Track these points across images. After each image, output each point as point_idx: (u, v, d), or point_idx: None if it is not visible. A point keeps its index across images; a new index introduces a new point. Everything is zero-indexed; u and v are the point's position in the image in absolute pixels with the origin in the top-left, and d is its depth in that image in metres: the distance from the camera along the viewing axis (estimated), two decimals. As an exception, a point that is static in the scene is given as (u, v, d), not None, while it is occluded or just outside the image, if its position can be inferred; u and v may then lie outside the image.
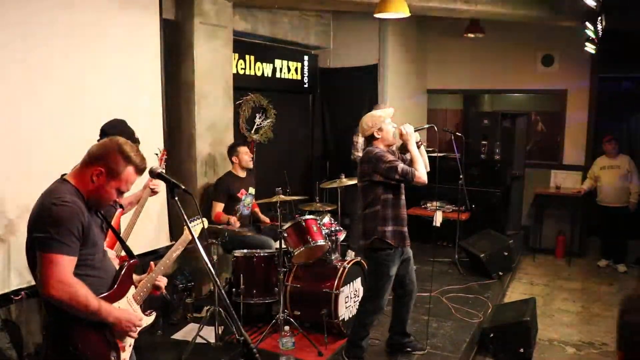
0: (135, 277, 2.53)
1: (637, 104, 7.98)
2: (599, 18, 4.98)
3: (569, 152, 8.09)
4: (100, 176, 2.27)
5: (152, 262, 2.61)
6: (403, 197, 4.03)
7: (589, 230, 7.81)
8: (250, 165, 5.42)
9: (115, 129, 3.41)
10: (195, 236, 2.40)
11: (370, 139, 4.02)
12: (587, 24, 5.17)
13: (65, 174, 2.36)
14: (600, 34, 5.47)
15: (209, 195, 5.36)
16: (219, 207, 5.21)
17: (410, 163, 3.93)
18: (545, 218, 7.86)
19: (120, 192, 2.34)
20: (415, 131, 4.00)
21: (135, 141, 3.36)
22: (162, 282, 2.59)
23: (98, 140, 3.27)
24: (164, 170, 2.46)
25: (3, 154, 3.71)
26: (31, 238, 2.21)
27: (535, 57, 8.11)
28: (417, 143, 3.99)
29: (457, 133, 5.69)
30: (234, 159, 5.38)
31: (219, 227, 4.76)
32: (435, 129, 4.47)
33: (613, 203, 7.04)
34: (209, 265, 2.20)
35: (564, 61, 7.93)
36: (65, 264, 2.14)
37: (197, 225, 2.93)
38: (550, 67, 8.04)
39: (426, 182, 3.91)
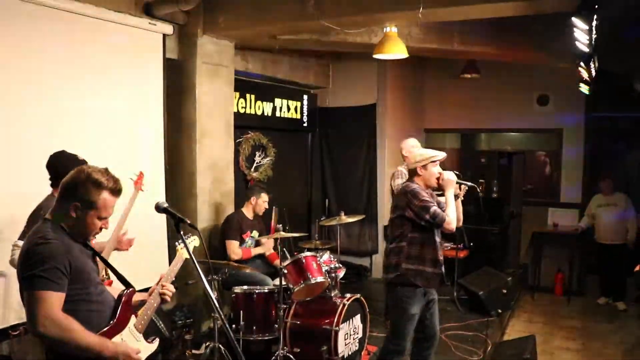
0: (137, 296, 2.51)
1: (632, 142, 8.09)
2: (592, 59, 5.11)
3: (566, 190, 8.15)
4: (77, 210, 2.25)
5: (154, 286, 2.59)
6: (434, 237, 3.89)
7: (587, 268, 7.81)
8: (262, 212, 5.49)
9: (60, 161, 3.36)
10: (191, 253, 2.39)
11: (412, 174, 4.00)
12: (581, 65, 5.29)
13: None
14: (593, 75, 5.60)
15: (222, 235, 5.34)
16: (235, 245, 5.21)
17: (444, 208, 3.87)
18: (543, 256, 7.85)
19: (102, 219, 2.32)
20: (456, 183, 3.97)
21: (82, 162, 3.33)
22: (169, 290, 2.56)
23: (50, 180, 3.31)
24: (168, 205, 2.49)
25: (5, 188, 3.78)
26: (20, 281, 2.20)
27: (530, 96, 8.25)
28: (455, 195, 3.95)
29: (455, 172, 5.77)
30: (252, 199, 5.43)
31: (222, 262, 4.77)
32: (479, 190, 4.42)
33: (611, 241, 7.06)
34: (211, 294, 2.22)
35: (559, 101, 8.07)
36: (53, 300, 2.11)
37: (191, 243, 2.92)
38: (546, 107, 8.18)
39: (454, 229, 3.86)
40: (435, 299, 4.06)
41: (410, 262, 3.84)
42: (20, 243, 3.13)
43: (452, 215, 3.82)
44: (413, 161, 3.96)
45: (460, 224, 4.04)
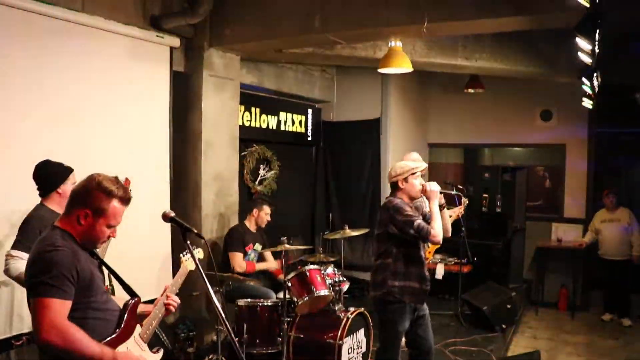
0: (141, 307, 2.52)
1: (635, 158, 8.10)
2: (595, 74, 5.13)
3: (570, 205, 8.14)
4: (87, 217, 2.27)
5: (159, 297, 2.60)
6: (419, 252, 3.84)
7: (591, 283, 7.77)
8: (264, 225, 5.51)
9: (46, 170, 3.38)
10: (194, 267, 2.39)
11: (394, 188, 3.89)
12: (584, 80, 5.32)
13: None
14: (596, 89, 5.62)
15: (225, 247, 5.34)
16: (240, 257, 5.21)
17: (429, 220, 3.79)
18: (547, 271, 7.82)
19: (111, 227, 2.34)
20: (440, 193, 3.85)
21: (68, 169, 3.38)
22: (174, 301, 2.57)
23: (38, 190, 3.32)
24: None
25: (12, 201, 3.78)
26: (27, 288, 2.20)
27: (534, 112, 8.27)
28: (440, 205, 3.85)
29: (459, 186, 5.78)
30: (255, 211, 5.47)
31: (225, 275, 4.76)
32: (463, 198, 4.36)
33: (615, 256, 7.03)
34: (218, 305, 2.22)
35: (562, 116, 8.09)
36: (58, 308, 2.10)
37: (196, 255, 2.92)
38: (549, 122, 8.20)
39: (441, 241, 3.76)
40: (425, 314, 3.98)
41: (396, 279, 3.75)
42: (14, 252, 3.15)
43: (438, 227, 3.70)
44: (393, 175, 3.85)
45: (449, 234, 3.97)
